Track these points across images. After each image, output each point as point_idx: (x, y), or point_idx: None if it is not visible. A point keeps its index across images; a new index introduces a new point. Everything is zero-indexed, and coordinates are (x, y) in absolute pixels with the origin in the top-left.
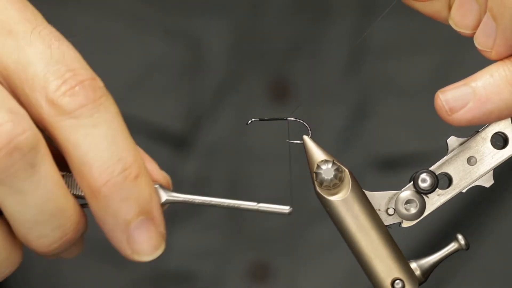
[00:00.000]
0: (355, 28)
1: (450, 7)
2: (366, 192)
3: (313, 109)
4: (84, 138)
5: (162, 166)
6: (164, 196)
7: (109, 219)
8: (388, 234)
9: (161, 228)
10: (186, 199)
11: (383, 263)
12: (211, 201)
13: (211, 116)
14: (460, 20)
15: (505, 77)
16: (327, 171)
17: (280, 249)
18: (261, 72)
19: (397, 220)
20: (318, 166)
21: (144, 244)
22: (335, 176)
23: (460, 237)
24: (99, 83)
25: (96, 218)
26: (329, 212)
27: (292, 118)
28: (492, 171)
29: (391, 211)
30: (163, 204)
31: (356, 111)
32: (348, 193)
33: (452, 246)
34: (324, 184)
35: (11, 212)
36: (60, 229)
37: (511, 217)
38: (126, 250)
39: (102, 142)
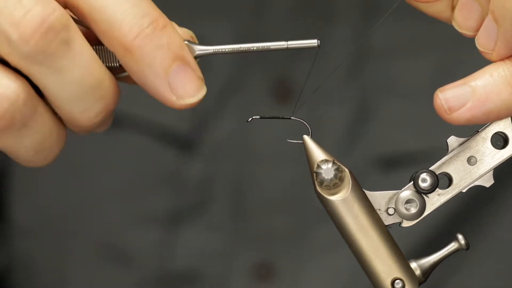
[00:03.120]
0: (357, 30)
1: (453, 8)
2: (366, 192)
3: (316, 110)
4: (109, 1)
5: (167, 166)
6: (195, 49)
7: (147, 70)
8: (388, 234)
9: (199, 72)
10: (216, 50)
11: (383, 263)
12: (240, 47)
13: (215, 117)
14: (463, 21)
15: (505, 77)
16: (327, 171)
17: (284, 249)
18: (265, 74)
19: (397, 220)
20: (318, 166)
21: (187, 87)
22: (335, 176)
23: (460, 237)
24: None
25: (134, 76)
26: (329, 212)
27: (293, 117)
28: (492, 171)
29: (391, 211)
30: (195, 58)
31: (358, 112)
32: (348, 193)
33: (452, 246)
34: (324, 184)
35: (54, 91)
36: (101, 101)
37: (511, 217)
38: (171, 97)
39: (126, 2)
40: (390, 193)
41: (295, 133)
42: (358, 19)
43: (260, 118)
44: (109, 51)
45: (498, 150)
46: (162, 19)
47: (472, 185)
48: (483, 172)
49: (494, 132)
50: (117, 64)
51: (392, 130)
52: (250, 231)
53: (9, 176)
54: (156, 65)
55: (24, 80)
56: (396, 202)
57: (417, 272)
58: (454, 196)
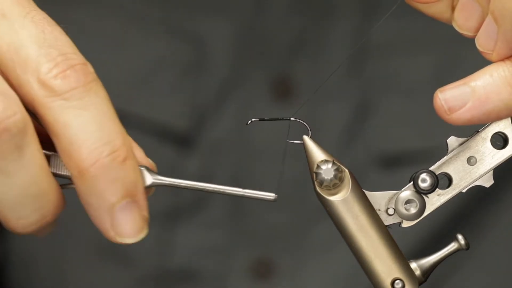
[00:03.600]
0: (357, 28)
1: (453, 8)
2: (366, 192)
3: (316, 108)
4: (74, 119)
5: (166, 164)
6: (150, 179)
7: (94, 200)
8: (388, 234)
9: (145, 212)
10: (172, 183)
11: (383, 263)
12: (196, 185)
13: (214, 114)
14: (463, 22)
15: (505, 77)
16: (327, 171)
17: (283, 247)
18: (264, 71)
19: (397, 220)
20: (318, 166)
21: (128, 227)
22: (335, 176)
23: (460, 237)
24: (90, 68)
25: (81, 199)
26: (329, 212)
27: (292, 118)
28: (492, 171)
29: (391, 211)
30: (148, 187)
31: (358, 110)
32: (348, 193)
33: (452, 246)
34: (324, 184)
35: None
36: (40, 212)
37: (511, 217)
38: (109, 232)
39: (92, 124)
40: (390, 193)
41: (294, 132)
42: (358, 16)
43: (259, 120)
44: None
45: (498, 150)
46: (124, 149)
47: (472, 185)
48: (483, 172)
49: (494, 132)
50: (68, 173)
51: (392, 129)
52: (249, 229)
53: None
54: (104, 198)
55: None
56: (396, 202)
57: (417, 272)
58: (454, 196)
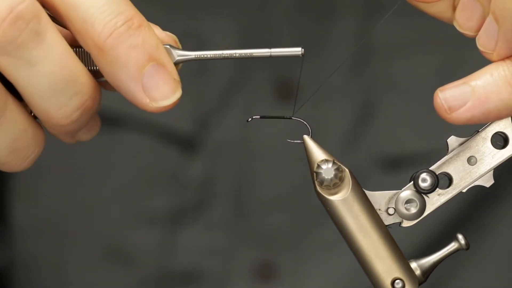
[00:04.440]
0: (359, 29)
1: (454, 8)
2: (366, 192)
3: (318, 109)
4: None
5: (170, 166)
6: (175, 55)
7: (120, 72)
8: (388, 234)
9: (175, 75)
10: (198, 56)
11: (383, 263)
12: (222, 53)
13: (217, 117)
14: (464, 22)
15: (505, 77)
16: (327, 170)
17: (285, 248)
18: (267, 73)
19: (397, 220)
20: (318, 166)
21: (160, 89)
22: (335, 175)
23: (460, 237)
24: None
25: (108, 78)
26: (329, 212)
27: (293, 117)
28: (492, 171)
29: (391, 211)
30: (176, 64)
31: (360, 111)
32: (348, 192)
33: (452, 246)
34: (324, 183)
35: (26, 85)
36: (78, 96)
37: (511, 217)
38: (144, 99)
39: None
40: (390, 193)
41: (296, 133)
42: (360, 17)
43: (260, 117)
44: (88, 55)
45: (498, 150)
46: (138, 17)
47: (472, 185)
48: (483, 172)
49: (494, 132)
50: (96, 68)
51: (394, 129)
52: (251, 230)
53: (10, 176)
54: (129, 66)
55: None
56: (396, 202)
57: (417, 272)
58: (454, 196)
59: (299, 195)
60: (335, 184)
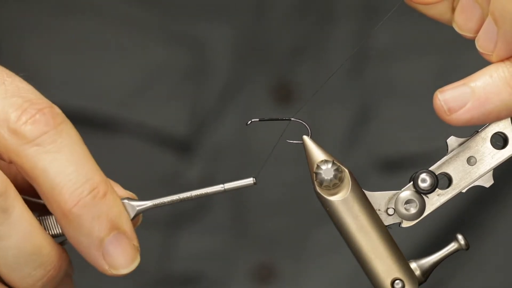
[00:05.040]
0: (358, 31)
1: (453, 9)
2: (366, 192)
3: (317, 111)
4: (50, 163)
5: (168, 169)
6: (134, 208)
7: (83, 238)
8: (388, 234)
9: (134, 241)
10: (155, 203)
11: (383, 263)
12: (179, 197)
13: (215, 119)
14: (463, 23)
15: (504, 78)
16: (327, 171)
17: (285, 251)
18: (265, 76)
19: (397, 220)
20: (318, 166)
21: (120, 258)
22: (335, 176)
23: (460, 237)
24: (58, 110)
25: (70, 240)
26: (329, 212)
27: (292, 118)
28: (492, 171)
29: (391, 211)
30: (134, 217)
31: (359, 113)
32: (348, 193)
33: (452, 246)
34: (324, 184)
35: None
36: (41, 267)
37: (511, 217)
38: (104, 266)
39: (68, 165)
40: (389, 193)
41: (296, 135)
42: (359, 20)
43: (259, 120)
44: (53, 220)
45: (498, 150)
46: (103, 185)
47: (472, 185)
48: (482, 172)
49: (494, 132)
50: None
51: (393, 131)
52: (251, 233)
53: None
54: (92, 235)
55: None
56: (396, 202)
57: (417, 272)
58: (454, 196)
59: (299, 198)
60: (335, 185)
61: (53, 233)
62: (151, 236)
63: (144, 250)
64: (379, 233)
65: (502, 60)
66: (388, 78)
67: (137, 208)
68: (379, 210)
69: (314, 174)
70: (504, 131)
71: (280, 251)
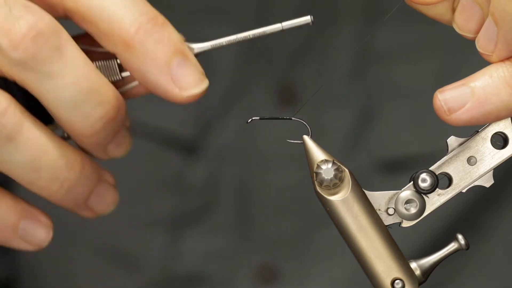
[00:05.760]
0: (360, 33)
1: (453, 10)
2: (366, 192)
3: (320, 113)
4: (107, 1)
5: (172, 170)
6: (194, 47)
7: (149, 65)
8: (388, 234)
9: (199, 66)
10: (214, 45)
11: (383, 263)
12: (236, 38)
13: (220, 121)
14: (463, 24)
15: (504, 78)
16: (327, 171)
17: (288, 252)
18: (269, 78)
19: (397, 220)
20: (318, 166)
21: (189, 78)
22: (335, 176)
23: (460, 237)
24: None
25: (136, 73)
26: (329, 212)
27: (293, 118)
28: (492, 171)
29: (391, 211)
30: (196, 56)
31: (361, 115)
32: (348, 193)
33: (452, 246)
34: (324, 184)
35: (50, 98)
36: (101, 106)
37: (511, 217)
38: (174, 90)
39: (124, 1)
40: (390, 193)
41: (299, 136)
42: (361, 22)
43: (260, 119)
44: (109, 66)
45: (498, 150)
46: (161, 16)
47: (472, 185)
48: (483, 172)
49: (494, 132)
50: (118, 78)
51: (395, 132)
52: (254, 234)
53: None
54: (157, 59)
55: (6, 94)
56: (396, 202)
57: (417, 272)
58: (454, 196)
59: (303, 200)
60: (335, 184)
61: (110, 79)
62: (156, 237)
63: (148, 250)
64: (379, 233)
65: (502, 61)
66: (390, 79)
67: (196, 50)
68: (379, 210)
69: (314, 174)
70: (504, 131)
71: (284, 253)
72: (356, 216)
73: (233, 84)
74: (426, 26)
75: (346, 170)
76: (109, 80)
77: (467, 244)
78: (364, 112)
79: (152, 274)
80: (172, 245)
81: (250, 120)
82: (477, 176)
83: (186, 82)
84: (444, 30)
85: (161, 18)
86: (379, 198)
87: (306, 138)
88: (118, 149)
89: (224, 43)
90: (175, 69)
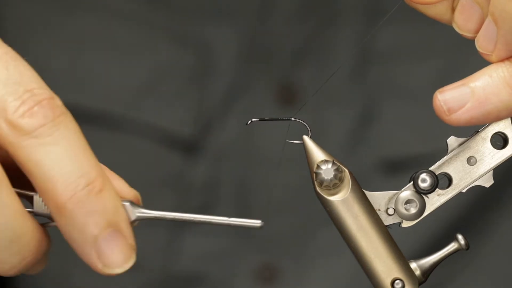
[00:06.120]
0: (361, 33)
1: (453, 10)
2: (366, 192)
3: (320, 113)
4: (46, 156)
5: (172, 170)
6: (135, 213)
7: (76, 234)
8: (388, 234)
9: (131, 240)
10: (157, 216)
11: (383, 263)
12: (182, 216)
13: (220, 121)
14: (463, 23)
15: (504, 78)
16: (327, 171)
17: (287, 252)
18: (269, 77)
19: (397, 220)
20: (318, 166)
21: (114, 257)
22: (335, 176)
23: (460, 237)
24: (58, 101)
25: (64, 236)
26: (329, 212)
27: (293, 118)
28: (492, 171)
29: (391, 211)
30: (133, 221)
31: (361, 115)
32: (348, 193)
33: (452, 246)
34: (324, 184)
35: None
36: (19, 255)
37: (511, 217)
38: (97, 264)
39: (64, 158)
40: (390, 193)
41: (299, 135)
42: (362, 22)
43: (259, 120)
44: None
45: (498, 150)
46: (99, 180)
47: (472, 185)
48: (483, 172)
49: (494, 132)
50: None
51: (395, 132)
52: (254, 234)
53: None
54: (85, 232)
55: None
56: (396, 202)
57: (417, 272)
58: (454, 196)
59: (302, 198)
60: (335, 185)
61: (42, 212)
62: (155, 236)
63: (148, 250)
64: (379, 233)
65: (502, 61)
66: (390, 79)
67: (137, 214)
68: (379, 210)
69: (314, 174)
70: (504, 131)
71: (283, 252)
72: (356, 216)
73: (233, 84)
74: (426, 26)
75: (346, 170)
76: (41, 213)
77: (467, 244)
78: (364, 112)
79: (151, 274)
80: (172, 244)
81: (249, 121)
82: (477, 176)
83: (111, 260)
84: (444, 30)
85: (98, 184)
86: (379, 198)
87: (306, 138)
88: (31, 271)
89: (168, 217)
90: (102, 245)
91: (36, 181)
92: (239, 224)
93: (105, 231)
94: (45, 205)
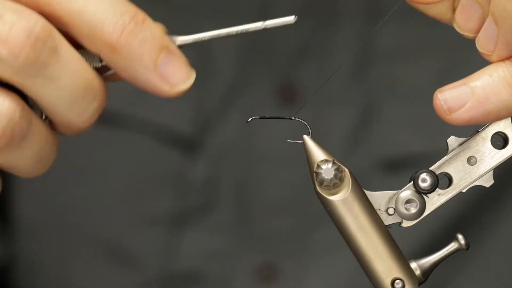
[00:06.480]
0: (362, 32)
1: (454, 9)
2: (366, 192)
3: (320, 112)
4: (86, 4)
5: (171, 168)
6: (176, 40)
7: (137, 66)
8: (388, 234)
9: (184, 58)
10: (196, 39)
11: (383, 263)
12: (219, 33)
13: (219, 119)
14: (464, 23)
15: (504, 78)
16: (327, 170)
17: (287, 250)
18: (269, 76)
19: (397, 220)
20: (318, 166)
21: (178, 73)
22: (335, 175)
23: (460, 237)
24: None
25: (123, 73)
26: (329, 212)
27: (293, 117)
28: (492, 171)
29: (391, 211)
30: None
31: (362, 114)
32: (348, 193)
33: (452, 246)
34: (324, 184)
35: (49, 99)
36: (95, 100)
37: (511, 217)
38: (164, 87)
39: (103, 2)
40: (390, 193)
41: (299, 135)
42: (363, 21)
43: (260, 118)
44: (90, 54)
45: (498, 150)
46: (140, 13)
47: (472, 185)
48: (483, 172)
49: (494, 132)
50: (99, 65)
51: (396, 132)
52: (254, 232)
53: (13, 176)
54: (144, 59)
55: (15, 95)
56: (396, 202)
57: (417, 272)
58: (454, 196)
59: (302, 197)
60: (335, 184)
61: (92, 67)
62: (155, 235)
63: (147, 248)
64: (379, 233)
65: (502, 60)
66: (391, 79)
67: (178, 42)
68: (379, 209)
69: (315, 174)
70: (504, 131)
71: (283, 251)
72: (356, 216)
73: (233, 83)
74: (427, 25)
75: (346, 170)
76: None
77: (467, 244)
78: (365, 111)
79: (151, 273)
80: (172, 243)
81: (250, 119)
82: (477, 176)
83: (175, 77)
84: (445, 29)
85: (141, 15)
86: (379, 198)
87: (306, 138)
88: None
89: (206, 37)
90: (163, 66)
91: (82, 30)
92: (274, 25)
93: (161, 54)
94: (92, 54)
